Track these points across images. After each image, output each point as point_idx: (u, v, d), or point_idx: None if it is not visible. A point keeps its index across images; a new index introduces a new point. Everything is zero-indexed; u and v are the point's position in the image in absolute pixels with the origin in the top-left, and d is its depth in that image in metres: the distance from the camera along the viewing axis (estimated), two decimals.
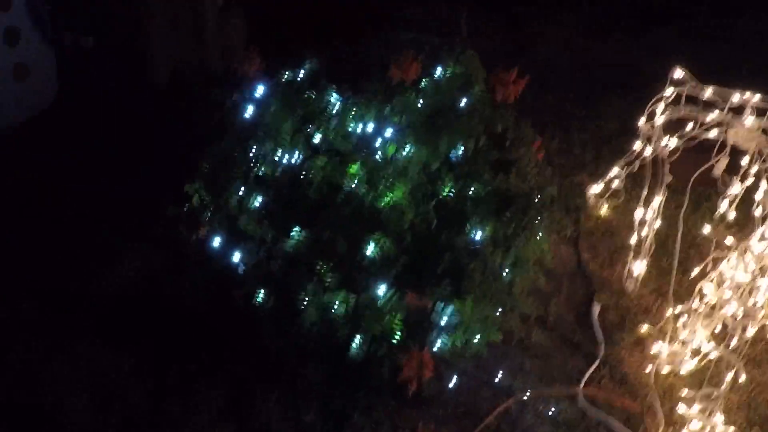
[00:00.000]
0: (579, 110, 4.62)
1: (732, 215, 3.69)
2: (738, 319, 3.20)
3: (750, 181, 3.57)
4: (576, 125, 4.49)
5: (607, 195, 4.00)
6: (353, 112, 3.25)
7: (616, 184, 3.94)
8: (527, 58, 4.64)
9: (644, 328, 3.52)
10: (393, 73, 3.20)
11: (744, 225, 3.64)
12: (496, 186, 3.19)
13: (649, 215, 3.62)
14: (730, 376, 3.11)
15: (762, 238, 3.30)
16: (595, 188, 4.02)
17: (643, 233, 3.64)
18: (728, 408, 3.23)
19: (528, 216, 3.20)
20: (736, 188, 3.61)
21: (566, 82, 4.85)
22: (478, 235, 3.13)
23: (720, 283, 3.28)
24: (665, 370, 3.36)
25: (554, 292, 3.64)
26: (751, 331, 3.17)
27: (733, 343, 3.22)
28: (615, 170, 3.91)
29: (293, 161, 3.22)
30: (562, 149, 4.31)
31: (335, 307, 3.05)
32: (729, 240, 3.41)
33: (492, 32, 5.26)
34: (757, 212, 3.45)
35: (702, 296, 3.30)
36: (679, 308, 3.40)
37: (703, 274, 3.36)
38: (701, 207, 3.93)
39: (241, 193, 3.27)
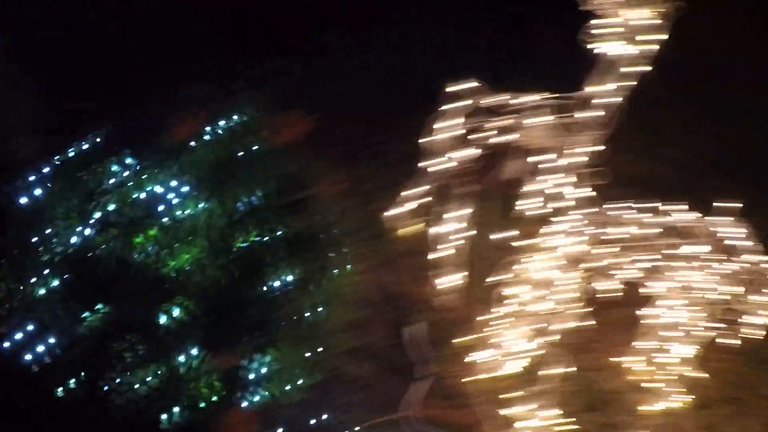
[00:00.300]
0: (378, 134, 4.71)
1: (534, 213, 3.85)
2: (555, 313, 3.32)
3: (553, 177, 3.72)
4: (376, 149, 4.56)
5: (412, 216, 4.09)
6: (137, 180, 3.19)
7: (418, 203, 4.02)
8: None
9: (464, 339, 3.58)
10: (176, 133, 3.17)
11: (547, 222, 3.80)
12: (293, 229, 3.20)
13: (454, 227, 3.71)
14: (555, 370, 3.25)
15: (563, 232, 3.43)
16: (399, 211, 4.09)
17: (451, 246, 3.73)
18: (564, 398, 3.38)
19: (331, 251, 3.22)
20: (538, 185, 3.76)
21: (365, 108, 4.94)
22: (279, 282, 3.14)
23: (529, 283, 3.40)
24: (495, 374, 3.44)
25: (370, 321, 3.68)
26: (570, 323, 3.29)
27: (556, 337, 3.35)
28: (416, 191, 3.99)
29: (82, 239, 3.14)
30: (367, 175, 4.37)
31: (148, 380, 2.99)
32: (534, 240, 3.53)
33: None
34: (553, 206, 3.60)
35: (510, 298, 3.40)
36: (490, 314, 3.48)
37: (510, 277, 3.47)
38: (507, 211, 4.04)
39: (36, 279, 3.16)
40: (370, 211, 4.00)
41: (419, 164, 3.81)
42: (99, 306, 3.04)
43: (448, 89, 3.65)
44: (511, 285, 3.40)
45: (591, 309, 3.50)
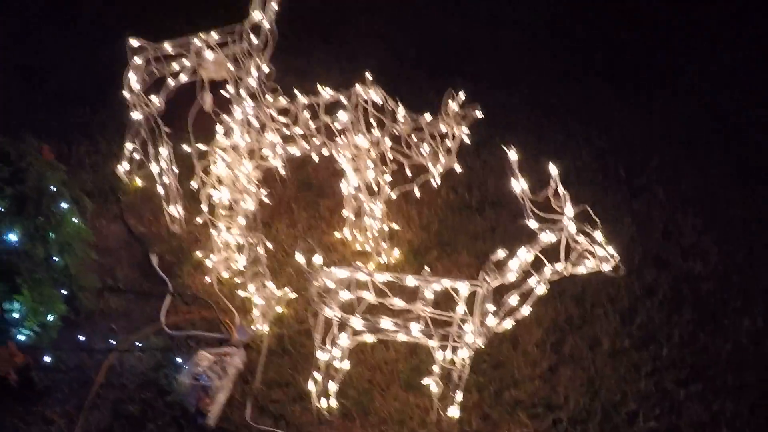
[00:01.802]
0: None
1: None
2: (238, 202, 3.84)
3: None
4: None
5: (134, 168, 4.58)
6: None
7: (136, 155, 4.52)
8: None
9: (197, 254, 4.16)
10: None
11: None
12: (10, 194, 3.63)
13: (164, 166, 4.25)
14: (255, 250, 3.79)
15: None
16: (120, 167, 4.58)
17: (167, 181, 4.27)
18: (289, 270, 4.03)
19: (44, 206, 3.67)
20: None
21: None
22: (12, 237, 3.57)
23: (223, 182, 3.87)
24: (226, 274, 4.05)
25: (116, 262, 4.17)
26: (251, 204, 3.81)
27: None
28: (128, 145, 4.49)
29: None
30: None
31: None
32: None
33: None
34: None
35: (209, 199, 3.94)
36: (199, 219, 4.08)
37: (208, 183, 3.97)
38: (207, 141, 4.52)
39: None
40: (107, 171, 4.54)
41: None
42: None
43: (131, 43, 4.18)
44: (211, 190, 3.92)
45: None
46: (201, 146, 3.97)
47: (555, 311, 3.86)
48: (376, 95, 3.78)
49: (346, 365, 3.43)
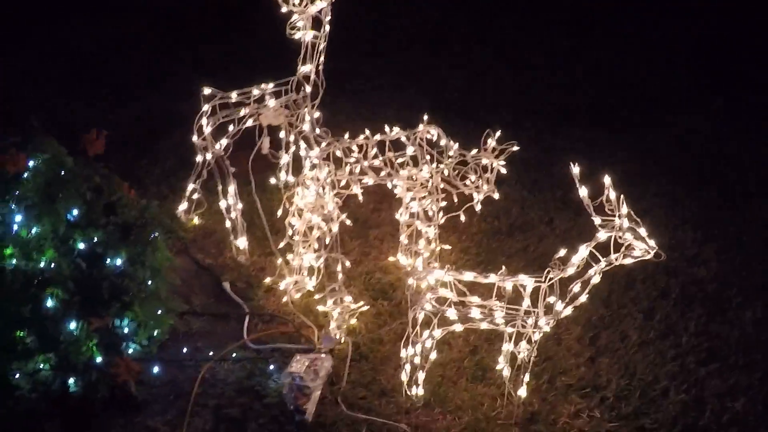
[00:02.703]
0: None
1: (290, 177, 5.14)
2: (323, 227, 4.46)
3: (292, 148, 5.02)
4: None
5: (193, 207, 5.14)
6: None
7: (195, 196, 5.09)
8: None
9: (267, 280, 4.74)
10: (8, 168, 4.00)
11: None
12: (114, 223, 4.15)
13: (231, 202, 4.83)
14: (339, 267, 4.48)
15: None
16: (182, 206, 5.13)
17: (233, 216, 4.85)
18: (352, 290, 4.62)
19: (145, 233, 4.19)
20: (285, 157, 5.04)
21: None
22: (118, 262, 4.07)
23: (300, 213, 4.54)
24: (297, 295, 4.62)
25: (189, 290, 4.71)
26: (335, 228, 4.46)
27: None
28: (190, 186, 5.06)
29: None
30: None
31: (43, 365, 3.82)
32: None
33: None
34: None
35: (292, 227, 4.57)
36: (281, 244, 4.70)
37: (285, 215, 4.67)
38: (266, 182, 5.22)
39: None
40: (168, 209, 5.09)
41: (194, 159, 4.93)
42: None
43: (204, 91, 4.76)
44: (290, 217, 4.57)
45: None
46: (291, 178, 4.68)
47: (588, 312, 4.55)
48: (435, 132, 4.50)
49: (434, 355, 4.06)
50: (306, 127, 4.92)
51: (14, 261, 3.95)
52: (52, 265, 3.94)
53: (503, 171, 4.59)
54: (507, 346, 3.97)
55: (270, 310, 4.59)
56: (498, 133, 4.51)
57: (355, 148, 4.58)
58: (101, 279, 4.02)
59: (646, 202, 5.38)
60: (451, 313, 3.86)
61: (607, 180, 3.65)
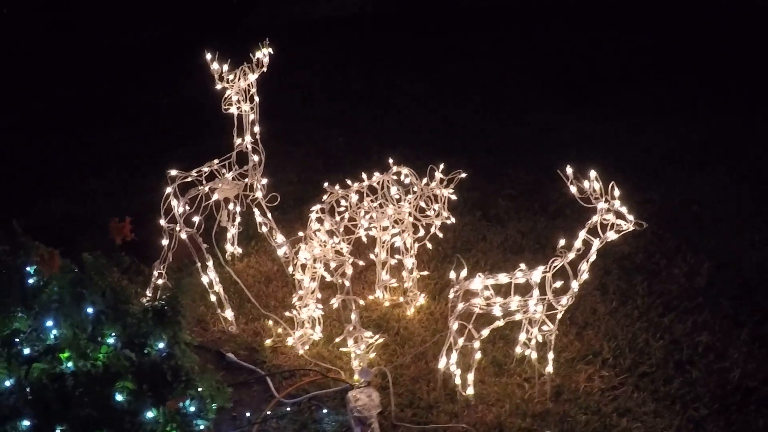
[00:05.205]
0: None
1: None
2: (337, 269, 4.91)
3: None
4: None
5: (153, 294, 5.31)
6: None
7: (160, 281, 5.28)
8: None
9: (267, 341, 5.10)
10: (44, 269, 4.06)
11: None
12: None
13: (212, 276, 5.12)
14: (354, 316, 4.91)
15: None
16: (147, 293, 5.28)
17: (216, 290, 5.18)
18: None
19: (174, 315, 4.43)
20: (233, 229, 5.47)
21: None
22: (161, 346, 4.29)
23: (303, 268, 5.01)
24: (306, 347, 5.05)
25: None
26: (349, 270, 4.89)
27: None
28: (155, 272, 5.24)
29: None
30: None
31: None
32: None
33: None
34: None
35: (298, 282, 5.05)
36: (294, 298, 5.14)
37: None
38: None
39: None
40: None
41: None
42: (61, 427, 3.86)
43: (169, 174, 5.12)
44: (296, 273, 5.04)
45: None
46: (300, 234, 5.08)
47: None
48: (406, 171, 5.13)
49: (479, 355, 4.68)
50: (258, 194, 5.38)
51: (70, 364, 4.04)
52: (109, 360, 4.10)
53: (453, 197, 5.27)
54: (524, 336, 4.72)
55: (286, 367, 4.96)
56: (441, 166, 5.18)
57: (352, 195, 5.11)
58: (156, 364, 4.20)
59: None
60: (497, 310, 4.51)
61: (593, 173, 4.45)
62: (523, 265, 4.59)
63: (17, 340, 4.13)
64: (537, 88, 8.90)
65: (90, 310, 4.23)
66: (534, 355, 4.79)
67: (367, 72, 9.35)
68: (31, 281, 4.28)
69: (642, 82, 9.08)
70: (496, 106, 8.44)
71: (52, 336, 4.18)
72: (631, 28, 10.43)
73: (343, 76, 9.30)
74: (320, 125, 8.01)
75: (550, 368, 4.82)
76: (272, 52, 5.20)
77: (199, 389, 4.26)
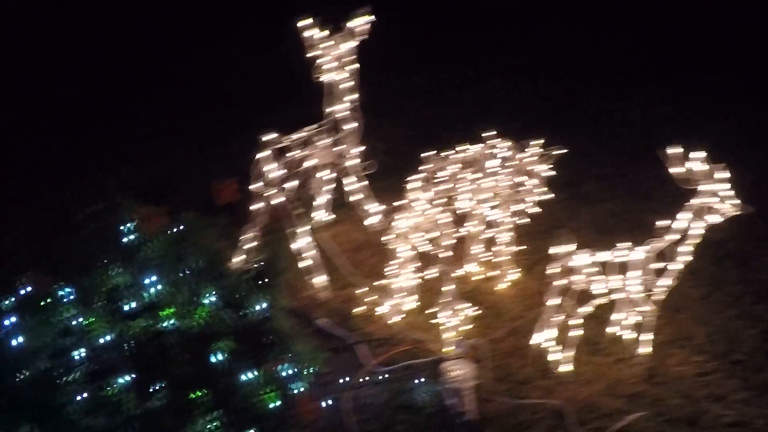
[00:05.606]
0: None
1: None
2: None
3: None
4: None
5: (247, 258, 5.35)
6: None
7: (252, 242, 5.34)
8: None
9: (357, 309, 5.12)
10: (145, 228, 4.14)
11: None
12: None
13: (307, 242, 5.18)
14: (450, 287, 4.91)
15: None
16: (237, 258, 5.27)
17: (309, 255, 5.22)
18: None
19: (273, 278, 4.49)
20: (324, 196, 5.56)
21: None
22: (263, 306, 4.37)
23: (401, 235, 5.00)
24: (399, 317, 5.07)
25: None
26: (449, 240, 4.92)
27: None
28: (246, 236, 5.27)
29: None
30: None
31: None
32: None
33: None
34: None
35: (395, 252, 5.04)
36: (390, 267, 5.11)
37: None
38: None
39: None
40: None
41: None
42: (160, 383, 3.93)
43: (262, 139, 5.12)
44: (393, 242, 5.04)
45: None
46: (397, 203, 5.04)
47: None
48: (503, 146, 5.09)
49: (580, 331, 4.66)
50: (352, 162, 5.40)
51: (173, 321, 4.11)
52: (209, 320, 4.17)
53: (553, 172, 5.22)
54: (620, 316, 4.70)
55: (377, 334, 4.99)
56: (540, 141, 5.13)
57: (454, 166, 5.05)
58: (255, 326, 4.26)
59: None
60: (599, 287, 4.49)
61: (701, 154, 4.37)
62: (623, 244, 4.57)
63: (117, 296, 4.24)
64: (635, 65, 8.58)
65: (190, 269, 4.33)
66: (628, 336, 4.78)
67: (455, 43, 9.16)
68: (125, 240, 4.38)
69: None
70: (589, 81, 8.23)
71: (151, 292, 4.27)
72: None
73: (431, 47, 9.09)
74: (408, 97, 7.94)
75: (644, 350, 4.81)
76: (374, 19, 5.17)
77: (296, 353, 4.35)
